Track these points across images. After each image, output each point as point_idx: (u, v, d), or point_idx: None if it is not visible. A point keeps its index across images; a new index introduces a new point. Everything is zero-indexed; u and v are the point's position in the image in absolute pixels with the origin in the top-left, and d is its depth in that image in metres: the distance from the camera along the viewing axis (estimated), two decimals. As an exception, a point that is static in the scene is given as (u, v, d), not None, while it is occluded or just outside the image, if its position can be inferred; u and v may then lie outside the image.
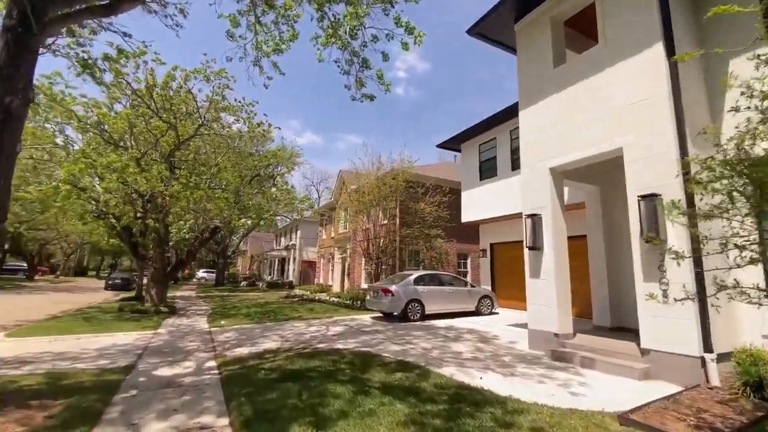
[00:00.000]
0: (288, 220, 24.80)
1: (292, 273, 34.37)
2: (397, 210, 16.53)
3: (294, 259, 34.21)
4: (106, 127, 11.70)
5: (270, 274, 40.70)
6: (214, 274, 37.02)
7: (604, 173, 8.17)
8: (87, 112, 11.16)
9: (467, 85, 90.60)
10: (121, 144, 12.18)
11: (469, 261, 18.64)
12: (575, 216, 9.15)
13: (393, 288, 10.40)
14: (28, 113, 4.09)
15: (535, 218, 7.02)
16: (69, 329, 8.91)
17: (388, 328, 9.36)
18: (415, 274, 11.21)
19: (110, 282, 27.03)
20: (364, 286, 19.18)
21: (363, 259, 19.73)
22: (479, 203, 13.39)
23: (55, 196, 10.28)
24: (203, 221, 13.97)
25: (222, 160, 13.37)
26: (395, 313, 10.44)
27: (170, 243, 13.89)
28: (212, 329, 9.47)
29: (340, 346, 7.21)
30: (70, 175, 9.97)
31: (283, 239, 40.03)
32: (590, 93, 6.49)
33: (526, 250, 7.22)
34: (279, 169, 15.97)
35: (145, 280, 15.73)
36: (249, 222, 15.35)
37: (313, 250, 32.19)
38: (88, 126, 11.42)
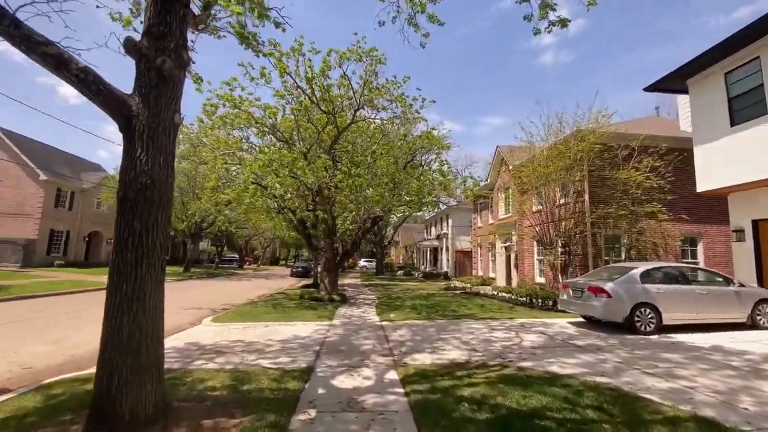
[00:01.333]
0: (444, 206, 23.70)
1: (445, 263, 33.26)
2: (585, 183, 12.83)
3: (446, 248, 33.01)
4: (279, 128, 12.62)
5: (423, 264, 40.70)
6: (374, 263, 39.79)
7: None
8: (262, 114, 12.02)
9: (635, 37, 72.47)
10: (291, 141, 12.92)
11: (699, 247, 13.32)
12: None
13: (608, 287, 7.42)
14: (184, 78, 3.42)
15: None
16: (260, 315, 9.66)
17: (613, 345, 6.59)
18: (642, 268, 7.82)
19: (294, 270, 32.24)
20: (539, 280, 16.15)
21: (535, 248, 16.70)
22: (731, 160, 8.96)
23: (245, 193, 11.49)
24: (364, 211, 13.87)
25: (377, 147, 12.96)
26: (611, 321, 7.53)
27: (337, 234, 14.32)
28: (383, 323, 8.86)
29: (556, 369, 5.08)
30: (253, 174, 10.88)
31: (433, 229, 39.38)
32: None
33: None
34: (435, 150, 14.66)
35: (319, 269, 17.13)
36: (409, 208, 14.73)
37: (467, 239, 30.23)
38: (266, 129, 12.53)
